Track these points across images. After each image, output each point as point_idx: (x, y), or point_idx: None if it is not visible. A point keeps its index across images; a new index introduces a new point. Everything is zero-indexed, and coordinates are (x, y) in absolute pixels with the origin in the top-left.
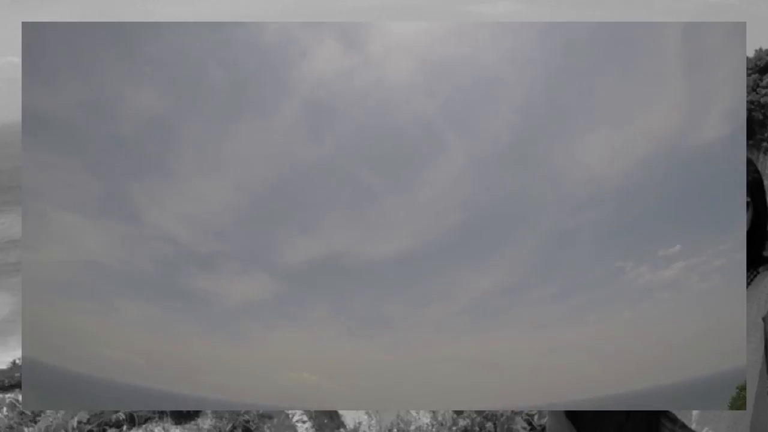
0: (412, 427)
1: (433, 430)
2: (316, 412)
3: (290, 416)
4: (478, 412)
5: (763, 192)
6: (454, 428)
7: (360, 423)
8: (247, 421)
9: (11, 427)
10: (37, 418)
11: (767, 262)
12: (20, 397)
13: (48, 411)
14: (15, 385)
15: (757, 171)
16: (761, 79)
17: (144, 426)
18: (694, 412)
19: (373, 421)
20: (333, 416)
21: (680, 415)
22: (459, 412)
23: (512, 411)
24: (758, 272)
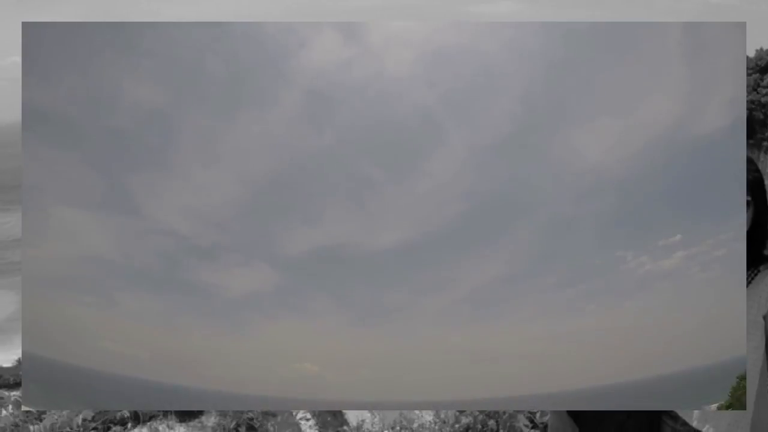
0: (415, 425)
1: (436, 427)
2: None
3: (294, 413)
4: (480, 410)
5: (764, 191)
6: (456, 426)
7: (363, 421)
8: (251, 419)
9: (16, 425)
10: (43, 416)
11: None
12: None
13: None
14: (20, 383)
15: (757, 170)
16: (762, 79)
17: (148, 424)
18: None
19: (376, 419)
20: (336, 414)
21: (681, 413)
22: (462, 410)
23: (515, 410)
24: (759, 271)
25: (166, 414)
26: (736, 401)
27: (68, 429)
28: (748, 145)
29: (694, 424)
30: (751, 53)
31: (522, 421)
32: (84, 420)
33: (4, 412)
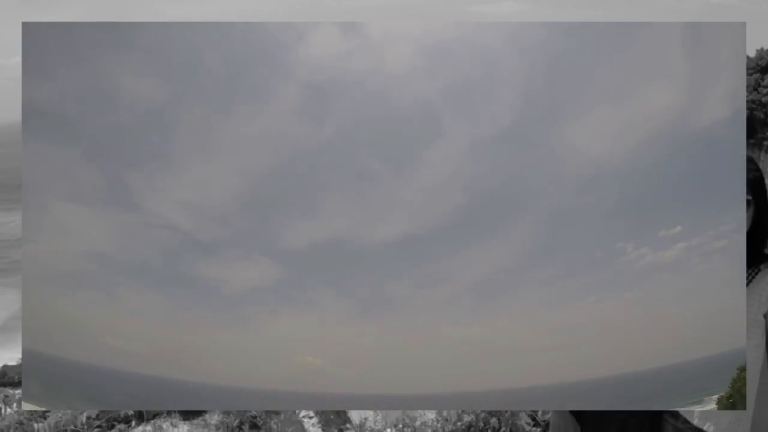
0: (418, 422)
1: (438, 425)
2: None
3: (297, 411)
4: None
5: (764, 190)
6: (458, 424)
7: (366, 418)
8: (254, 417)
9: (21, 423)
10: (47, 414)
11: None
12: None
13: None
14: None
15: (758, 169)
16: (762, 79)
17: (152, 422)
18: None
19: (378, 417)
20: (339, 411)
21: (683, 411)
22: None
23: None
24: (760, 269)
25: (169, 412)
26: (736, 392)
27: (72, 427)
28: (749, 145)
29: (695, 422)
30: (752, 53)
31: (524, 419)
32: (88, 418)
33: (8, 410)
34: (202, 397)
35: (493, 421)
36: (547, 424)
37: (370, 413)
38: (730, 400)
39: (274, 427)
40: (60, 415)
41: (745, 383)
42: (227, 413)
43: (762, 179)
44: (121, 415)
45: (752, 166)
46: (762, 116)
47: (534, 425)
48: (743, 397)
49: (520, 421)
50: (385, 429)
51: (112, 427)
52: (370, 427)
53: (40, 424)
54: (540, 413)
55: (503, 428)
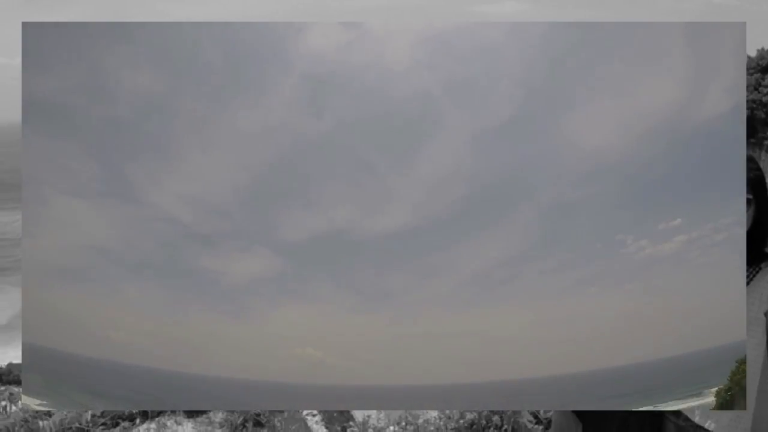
0: (420, 420)
1: (441, 422)
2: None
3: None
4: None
5: (765, 189)
6: (461, 421)
7: (369, 416)
8: (258, 415)
9: (26, 421)
10: (52, 411)
11: None
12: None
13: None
14: None
15: (759, 168)
16: (763, 79)
17: (156, 419)
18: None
19: (381, 414)
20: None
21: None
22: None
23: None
24: (761, 268)
25: (174, 409)
26: (735, 385)
27: (77, 424)
28: (750, 144)
29: (696, 419)
30: (753, 53)
31: (526, 417)
32: (93, 416)
33: (14, 407)
34: (204, 392)
35: (496, 418)
36: (549, 422)
37: (373, 411)
38: (729, 393)
39: (278, 425)
40: (65, 413)
41: (744, 376)
42: (231, 411)
43: (763, 178)
44: (126, 413)
45: (753, 165)
46: (763, 116)
47: (536, 423)
48: (742, 389)
49: (522, 418)
50: (387, 427)
51: (117, 424)
52: (373, 424)
53: (45, 422)
54: (542, 411)
55: (505, 426)
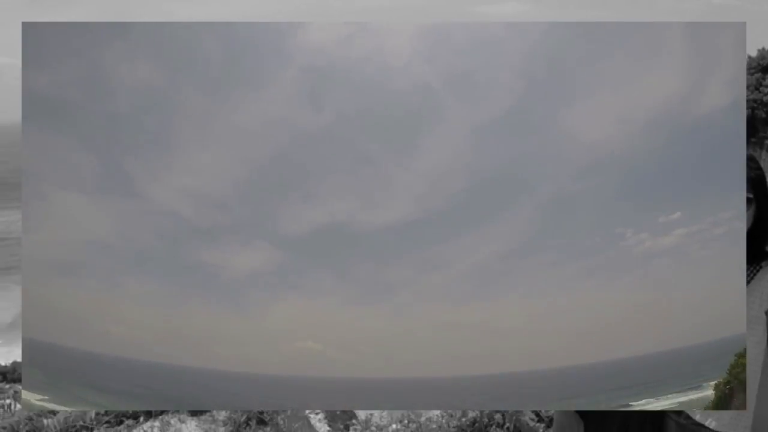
0: (423, 418)
1: (443, 420)
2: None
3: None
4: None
5: (766, 188)
6: (463, 419)
7: (372, 414)
8: (261, 412)
9: (31, 419)
10: (56, 410)
11: None
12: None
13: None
14: None
15: (759, 167)
16: (764, 78)
17: (160, 417)
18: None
19: (384, 412)
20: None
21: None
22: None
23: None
24: (761, 267)
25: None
26: (734, 378)
27: (81, 422)
28: (751, 143)
29: (697, 417)
30: (754, 53)
31: (528, 415)
32: (97, 414)
33: (18, 405)
34: (204, 386)
35: (498, 416)
36: (551, 420)
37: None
38: (728, 387)
39: (281, 422)
40: (69, 410)
41: (743, 370)
42: (234, 409)
43: (763, 177)
44: (129, 411)
45: (753, 164)
46: (763, 115)
47: (538, 421)
48: (741, 383)
49: (524, 416)
50: (390, 425)
51: (121, 422)
52: (375, 422)
53: (50, 420)
54: (544, 409)
55: (507, 424)
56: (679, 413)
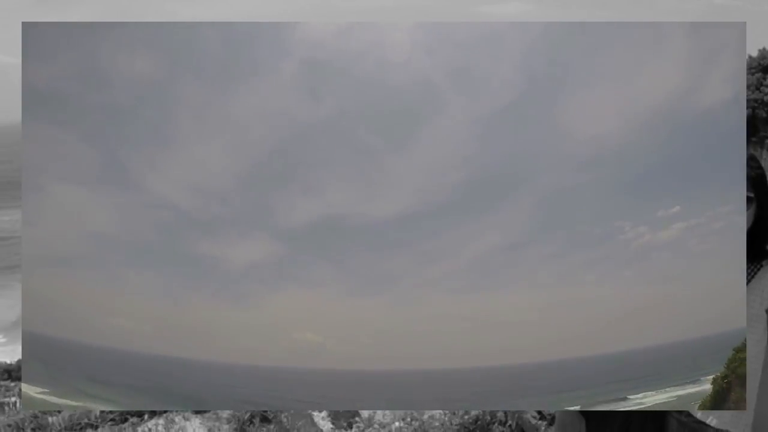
0: (426, 416)
1: (445, 418)
2: None
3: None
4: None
5: (766, 187)
6: (465, 417)
7: (375, 411)
8: (265, 410)
9: (36, 416)
10: (60, 407)
11: None
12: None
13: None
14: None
15: (760, 167)
16: (765, 78)
17: (164, 415)
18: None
19: (387, 410)
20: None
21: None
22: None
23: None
24: (761, 265)
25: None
26: (731, 373)
27: (86, 420)
28: (751, 143)
29: (698, 415)
30: (754, 53)
31: (530, 413)
32: (102, 411)
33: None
34: (204, 379)
35: (500, 414)
36: (553, 418)
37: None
38: (726, 381)
39: (285, 420)
40: (75, 405)
41: (740, 364)
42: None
43: (764, 177)
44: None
45: (754, 163)
46: (764, 115)
47: (540, 419)
48: (739, 377)
49: (526, 414)
50: (393, 422)
51: (125, 420)
52: (378, 420)
53: (55, 418)
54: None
55: (510, 422)
56: (680, 411)
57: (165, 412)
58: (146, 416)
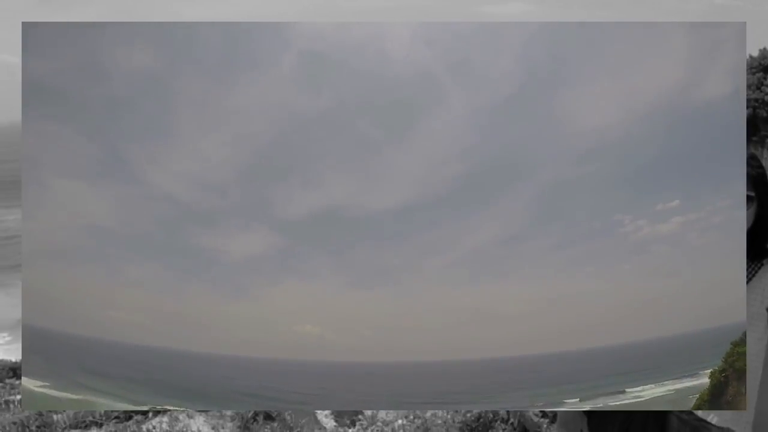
0: (428, 414)
1: (448, 416)
2: None
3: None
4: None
5: (767, 186)
6: (468, 415)
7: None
8: (268, 409)
9: (41, 414)
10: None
11: None
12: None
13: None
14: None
15: (760, 166)
16: (765, 78)
17: (168, 413)
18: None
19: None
20: None
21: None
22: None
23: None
24: (762, 264)
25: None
26: (729, 366)
27: (91, 418)
28: (752, 142)
29: (699, 413)
30: (755, 53)
31: (532, 410)
32: (106, 410)
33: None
34: (204, 372)
35: (502, 412)
36: (555, 416)
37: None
38: (724, 374)
39: (288, 417)
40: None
41: (738, 358)
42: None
43: (764, 176)
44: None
45: (755, 163)
46: (765, 114)
47: (542, 416)
48: (737, 371)
49: (528, 412)
50: (396, 420)
51: (130, 417)
52: (381, 417)
53: (59, 416)
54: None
55: (512, 419)
56: (681, 411)
57: (168, 410)
58: (150, 414)
